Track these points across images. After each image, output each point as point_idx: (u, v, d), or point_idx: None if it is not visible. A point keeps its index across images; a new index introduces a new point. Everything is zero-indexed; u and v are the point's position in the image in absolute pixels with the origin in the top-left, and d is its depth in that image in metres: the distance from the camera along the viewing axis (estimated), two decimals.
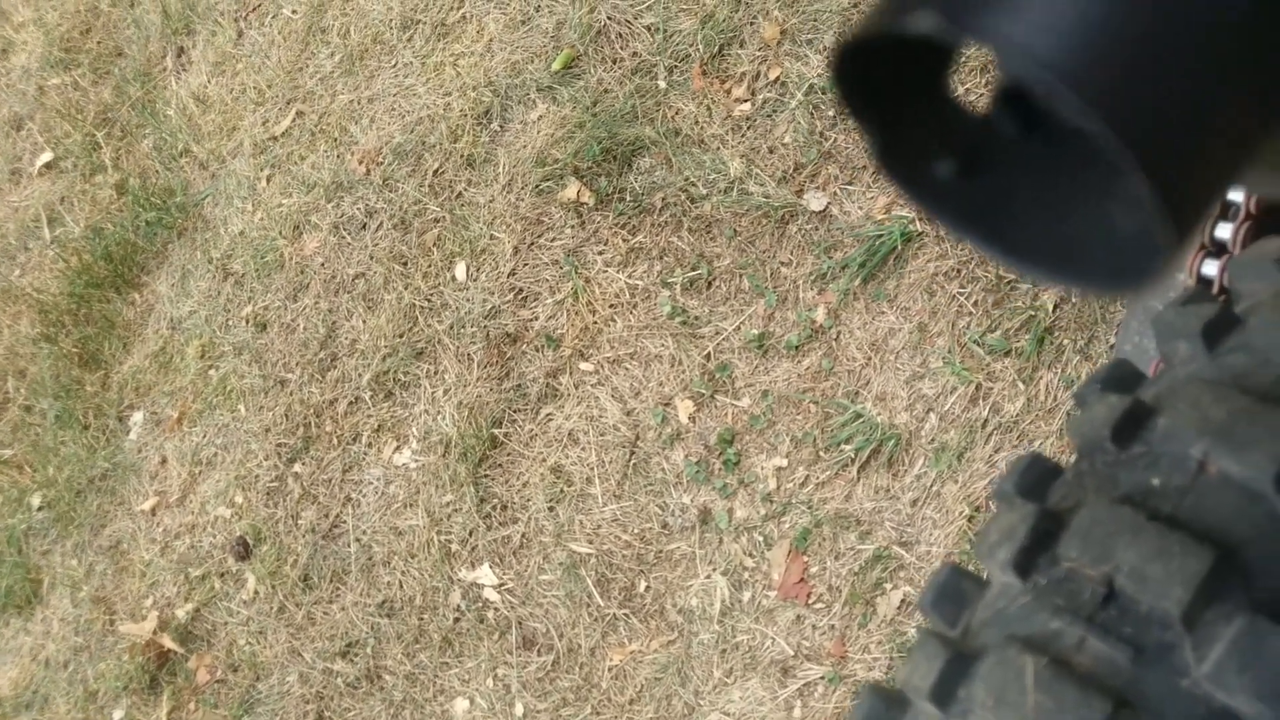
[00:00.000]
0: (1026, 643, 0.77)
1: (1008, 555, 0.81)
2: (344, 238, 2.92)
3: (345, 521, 2.71)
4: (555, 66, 2.79)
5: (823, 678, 2.15)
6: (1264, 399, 0.79)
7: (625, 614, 2.36)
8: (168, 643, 2.80)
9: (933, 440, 2.20)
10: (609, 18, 2.76)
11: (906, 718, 0.84)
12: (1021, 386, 2.14)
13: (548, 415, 2.55)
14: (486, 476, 2.57)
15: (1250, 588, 0.73)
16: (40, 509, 3.12)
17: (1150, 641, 0.74)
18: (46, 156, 3.54)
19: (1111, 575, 0.76)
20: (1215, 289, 1.16)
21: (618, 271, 2.57)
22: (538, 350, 2.59)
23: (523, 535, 2.50)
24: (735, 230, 2.48)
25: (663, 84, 2.66)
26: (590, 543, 2.43)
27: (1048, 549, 0.80)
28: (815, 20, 2.50)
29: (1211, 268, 1.20)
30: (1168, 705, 0.73)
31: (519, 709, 2.40)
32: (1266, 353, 0.82)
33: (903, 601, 2.13)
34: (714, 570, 2.30)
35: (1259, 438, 0.76)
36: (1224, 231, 1.18)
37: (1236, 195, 1.15)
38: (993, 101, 0.36)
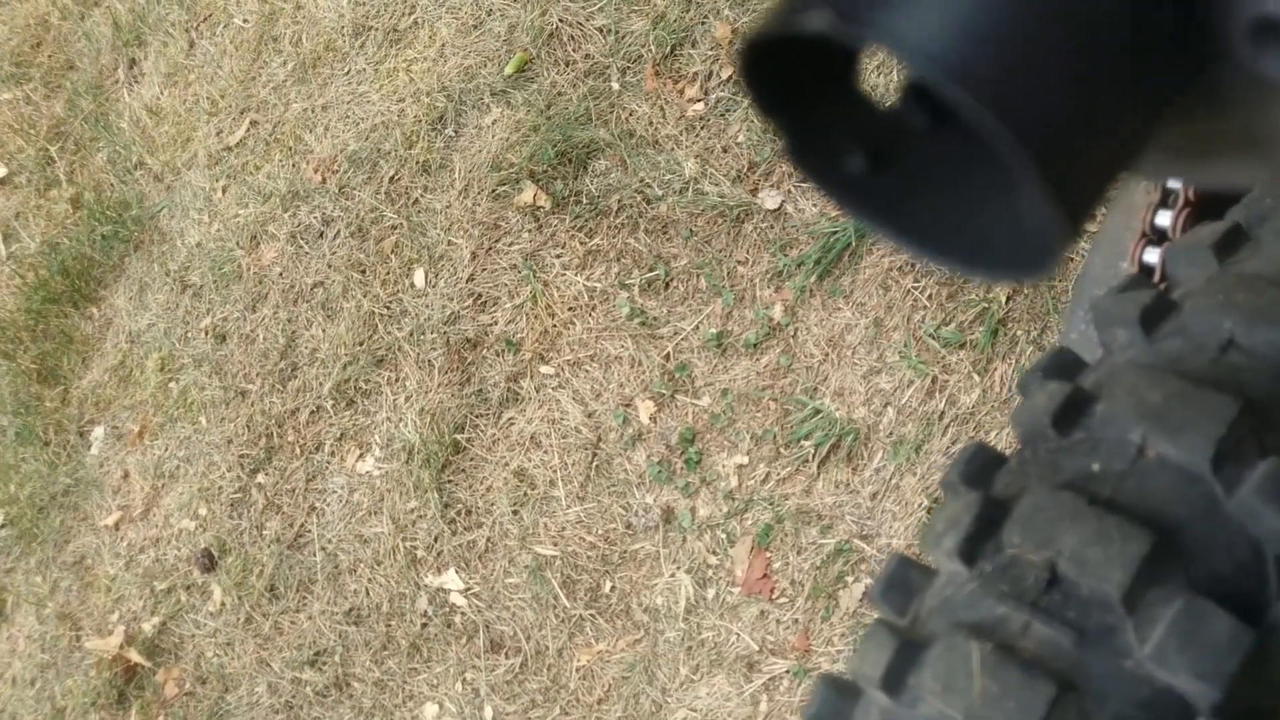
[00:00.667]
0: (973, 629, 0.78)
1: (953, 543, 0.82)
2: (301, 247, 2.92)
3: (310, 531, 2.71)
4: (508, 70, 2.79)
5: (788, 671, 2.16)
6: (1199, 382, 0.80)
7: (591, 614, 2.37)
8: (135, 657, 2.79)
9: (891, 434, 2.22)
10: (561, 20, 2.76)
11: (859, 707, 0.85)
12: (977, 378, 2.16)
13: (509, 419, 2.55)
14: (450, 482, 2.57)
15: (1189, 569, 0.75)
16: (2, 526, 3.10)
17: (1093, 624, 0.75)
18: (0, 172, 3.52)
19: (1054, 560, 0.77)
20: (1157, 276, 1.18)
21: (576, 274, 2.57)
22: (498, 355, 2.60)
23: (488, 539, 2.50)
24: (691, 230, 2.49)
25: (616, 86, 2.67)
26: (555, 545, 2.43)
27: (992, 536, 0.82)
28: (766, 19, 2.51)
29: (1153, 255, 1.22)
30: (1111, 686, 0.74)
31: (488, 712, 2.41)
32: (1201, 337, 0.84)
33: (864, 594, 2.15)
34: (678, 569, 2.31)
35: (1194, 420, 0.78)
36: (1164, 219, 1.20)
37: (1175, 183, 1.17)
38: (900, 96, 0.37)
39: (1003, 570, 0.80)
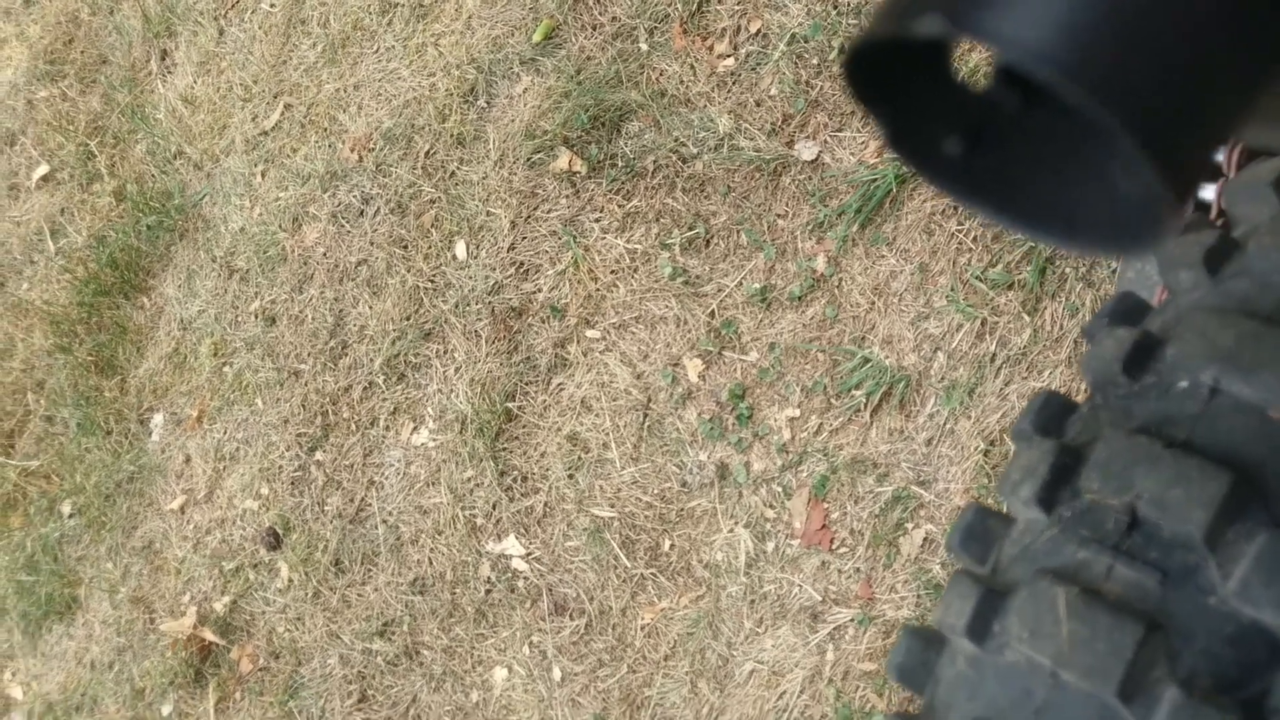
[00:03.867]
0: (1057, 574, 0.80)
1: (1030, 492, 0.84)
2: (343, 226, 2.94)
3: (371, 504, 2.75)
4: (536, 38, 2.80)
5: (852, 620, 2.19)
6: (1269, 322, 0.81)
7: (652, 573, 2.40)
8: (209, 636, 2.84)
9: (943, 378, 2.23)
10: None
11: (944, 655, 0.87)
12: (1027, 318, 2.17)
13: (559, 385, 2.58)
14: (504, 450, 2.61)
15: (1269, 505, 0.76)
16: (71, 516, 3.16)
17: (1176, 564, 0.77)
18: (43, 169, 3.56)
19: (1133, 503, 0.79)
20: (1214, 213, 1.19)
21: (616, 237, 2.59)
22: (544, 322, 2.62)
23: (545, 504, 2.54)
24: (729, 187, 2.51)
25: (644, 46, 2.68)
26: (612, 506, 2.46)
27: (1069, 483, 0.83)
28: None
29: (1209, 191, 1.22)
30: (1197, 624, 0.76)
31: (556, 673, 2.45)
32: (1268, 276, 0.85)
33: (925, 539, 2.17)
34: (736, 524, 2.34)
35: (1266, 360, 0.79)
36: (1218, 154, 1.21)
37: None
38: (993, 79, 0.39)
39: (1082, 515, 0.82)
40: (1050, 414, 0.90)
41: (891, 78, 0.39)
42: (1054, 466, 0.84)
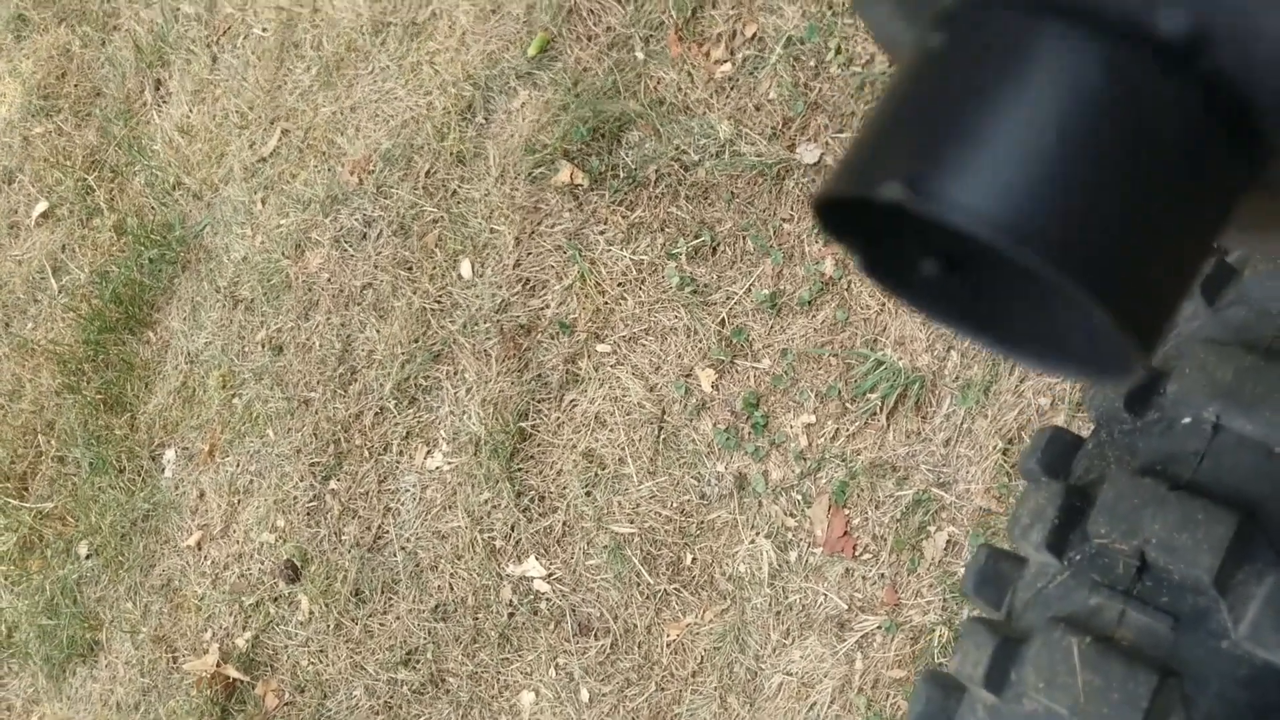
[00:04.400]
0: (1070, 622, 0.78)
1: (1040, 536, 0.83)
2: (346, 250, 2.93)
3: (388, 531, 2.74)
4: (531, 52, 2.78)
5: (879, 627, 2.17)
6: (1268, 354, 0.79)
7: (676, 588, 2.38)
8: (232, 672, 2.83)
9: (957, 378, 2.21)
10: None
11: (964, 704, 0.85)
12: None
13: (572, 401, 2.56)
14: (520, 469, 2.59)
15: (1276, 543, 0.74)
16: (88, 557, 3.16)
17: (1187, 609, 0.75)
18: (42, 206, 3.56)
19: (1142, 548, 0.77)
20: None
21: (621, 249, 2.57)
22: (553, 338, 2.61)
23: (564, 523, 2.52)
24: (732, 193, 2.48)
25: (640, 55, 2.65)
26: (631, 522, 2.45)
27: (1078, 526, 0.82)
28: None
29: None
30: (1210, 668, 0.74)
31: (584, 694, 2.43)
32: (1264, 303, 0.83)
33: (948, 542, 2.15)
34: (757, 534, 2.32)
35: (1267, 394, 0.77)
36: None
37: None
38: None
39: (1092, 559, 0.80)
40: (1056, 452, 0.88)
41: (863, 206, 0.37)
42: (1062, 509, 0.82)
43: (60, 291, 3.42)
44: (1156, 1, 0.31)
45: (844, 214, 0.36)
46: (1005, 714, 0.82)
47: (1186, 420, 0.81)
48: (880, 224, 0.36)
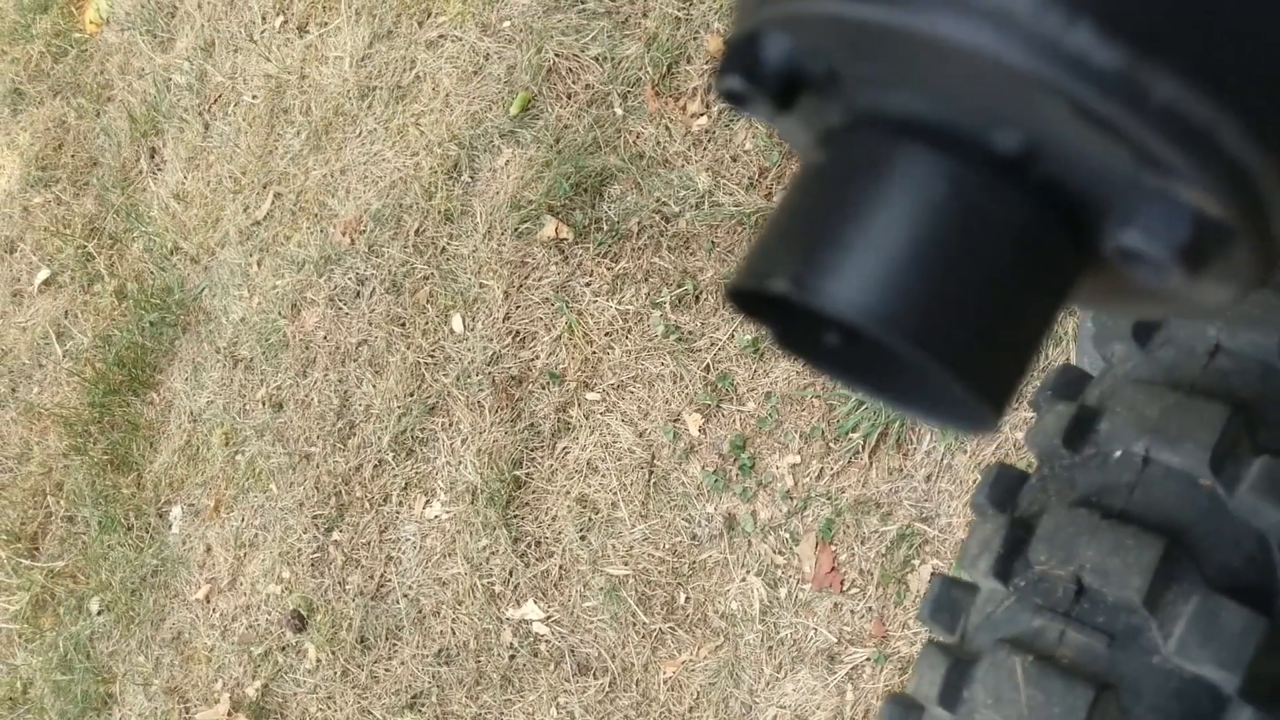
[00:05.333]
0: (1014, 643, 0.86)
1: (988, 565, 0.90)
2: (341, 309, 3.01)
3: (390, 580, 2.81)
4: (513, 110, 2.88)
5: (868, 659, 2.24)
6: (1192, 391, 0.87)
7: (670, 627, 2.45)
8: None
9: None
10: (556, 55, 2.85)
11: None
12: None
13: (564, 449, 2.64)
14: (516, 516, 2.66)
15: (1202, 567, 0.82)
16: (100, 613, 3.23)
17: (1121, 627, 0.83)
18: (44, 274, 3.64)
19: (1078, 573, 0.84)
20: None
21: (607, 300, 2.66)
22: (544, 388, 2.69)
23: (560, 567, 2.59)
24: (713, 242, 2.57)
25: (619, 111, 2.75)
26: (625, 564, 2.52)
27: (1021, 554, 0.89)
28: None
29: None
30: (1144, 682, 0.82)
31: None
32: (1190, 344, 0.91)
33: (933, 574, 2.22)
34: (748, 572, 2.39)
35: (1191, 429, 0.85)
36: None
37: None
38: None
39: (1035, 585, 0.88)
40: (1003, 487, 0.96)
41: (768, 294, 0.45)
42: (1007, 539, 0.90)
43: (64, 356, 3.51)
44: (992, 124, 0.40)
45: (756, 300, 0.44)
46: None
47: (1119, 454, 0.89)
48: (786, 307, 0.45)
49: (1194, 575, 0.82)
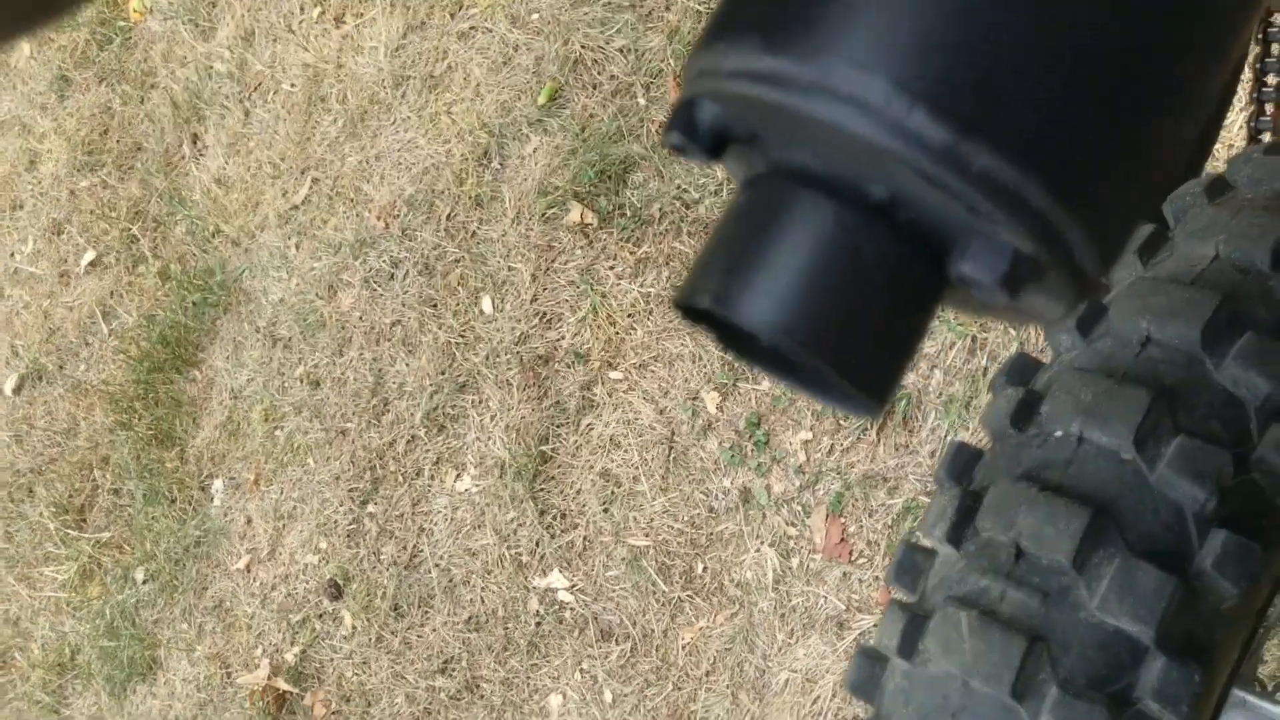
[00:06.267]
0: (962, 600, 0.97)
1: (942, 531, 1.02)
2: (375, 290, 3.14)
3: (423, 550, 2.94)
4: (541, 100, 2.99)
5: (875, 625, 2.35)
6: (1123, 378, 0.98)
7: (689, 595, 2.57)
8: (283, 685, 3.04)
9: (940, 394, 2.39)
10: (583, 47, 2.95)
11: (887, 671, 1.04)
12: (1013, 332, 2.33)
13: (588, 425, 2.76)
14: (542, 490, 2.79)
15: (1125, 534, 0.93)
16: (145, 582, 3.38)
17: (1053, 586, 0.94)
18: (90, 255, 3.78)
19: (1017, 539, 0.96)
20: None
21: (630, 283, 2.77)
22: (569, 367, 2.81)
23: (584, 538, 2.72)
24: None
25: (642, 101, 2.86)
26: (646, 535, 2.64)
27: (971, 523, 1.01)
28: None
29: None
30: (1072, 634, 0.93)
31: (608, 695, 2.62)
32: (1125, 336, 1.02)
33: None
34: (762, 543, 2.51)
35: (1119, 412, 0.96)
36: None
37: None
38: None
39: (981, 550, 0.99)
40: (961, 462, 1.07)
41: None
42: (959, 509, 1.01)
43: (110, 335, 3.65)
44: (866, 178, 0.51)
45: (694, 311, 0.56)
46: (916, 676, 1.00)
47: (1058, 434, 1.00)
48: (717, 317, 0.56)
49: (1118, 541, 0.93)
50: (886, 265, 0.51)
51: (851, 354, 0.51)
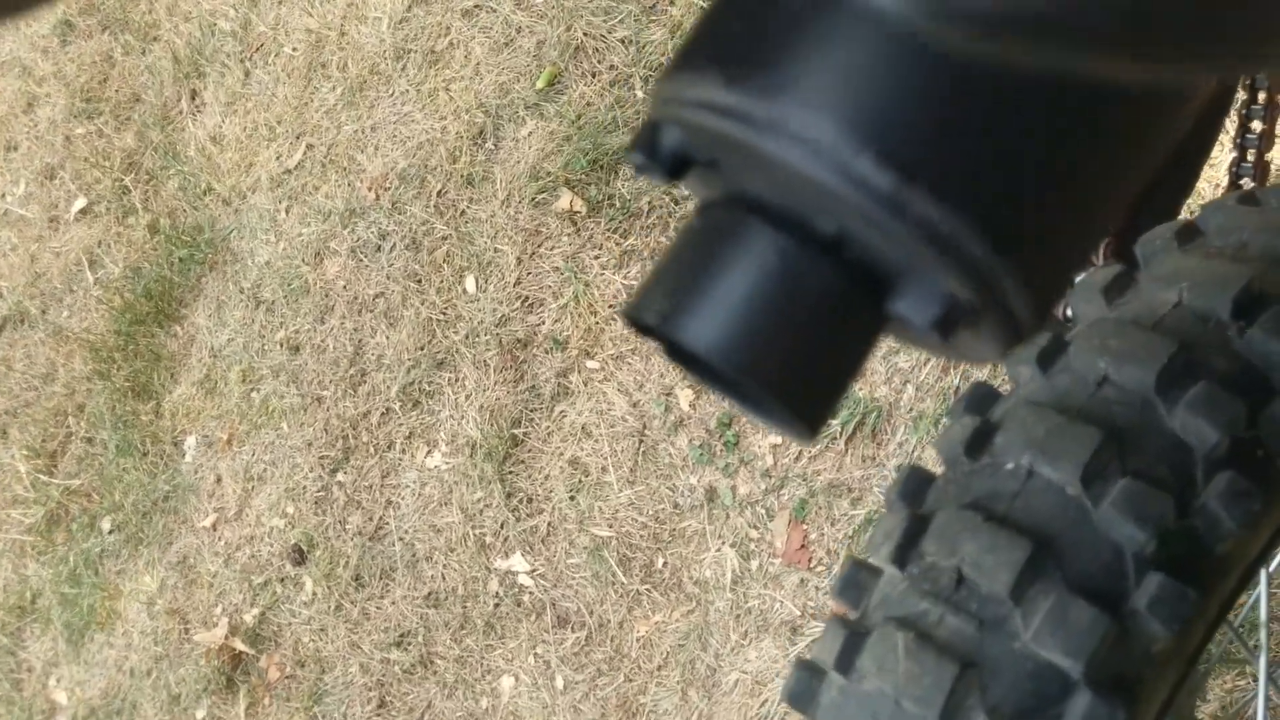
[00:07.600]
0: (900, 621, 0.99)
1: (888, 551, 1.03)
2: (361, 260, 3.15)
3: (388, 523, 2.95)
4: (540, 84, 3.00)
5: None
6: (1076, 415, 1.00)
7: (647, 589, 2.59)
8: (239, 645, 3.05)
9: (911, 409, 2.41)
10: (585, 34, 2.96)
11: (824, 684, 1.06)
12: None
13: (561, 412, 2.77)
14: (511, 473, 2.80)
15: (1064, 569, 0.95)
16: (111, 532, 3.38)
17: (990, 615, 0.96)
18: (81, 203, 3.78)
19: (959, 565, 0.97)
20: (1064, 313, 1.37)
21: (614, 274, 2.78)
22: (547, 352, 2.82)
23: (549, 524, 2.73)
24: None
25: (640, 93, 2.86)
26: (610, 526, 2.65)
27: (916, 545, 1.02)
28: None
29: None
30: (1004, 663, 0.94)
31: (559, 681, 2.64)
32: (1082, 373, 1.04)
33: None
34: (723, 543, 2.52)
35: (1069, 449, 0.97)
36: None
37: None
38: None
39: (925, 573, 1.01)
40: (913, 485, 1.08)
41: None
42: (905, 531, 1.03)
43: (95, 284, 3.65)
44: (815, 213, 0.53)
45: (645, 325, 0.57)
46: (851, 692, 1.02)
47: (1009, 466, 1.01)
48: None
49: (1056, 576, 0.94)
50: (828, 298, 0.53)
51: (788, 381, 0.53)
